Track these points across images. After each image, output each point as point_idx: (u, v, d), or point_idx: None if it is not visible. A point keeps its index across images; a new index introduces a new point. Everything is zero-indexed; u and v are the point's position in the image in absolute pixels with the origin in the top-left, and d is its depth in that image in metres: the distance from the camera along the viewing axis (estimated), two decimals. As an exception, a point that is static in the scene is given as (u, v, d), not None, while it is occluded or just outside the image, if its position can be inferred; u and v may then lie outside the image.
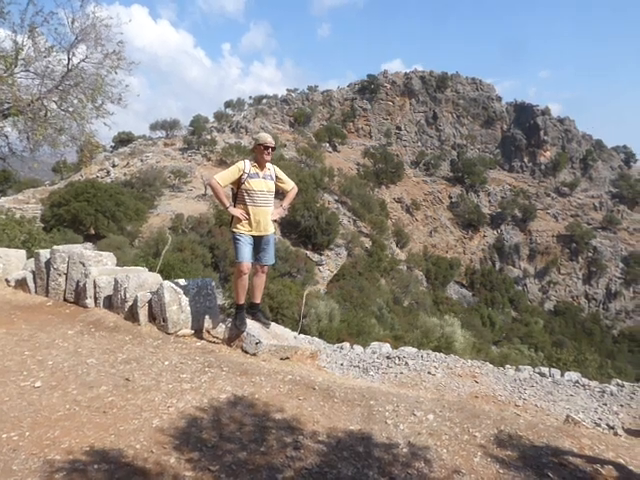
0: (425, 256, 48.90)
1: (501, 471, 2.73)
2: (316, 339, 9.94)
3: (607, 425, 6.24)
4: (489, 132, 71.00)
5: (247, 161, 4.97)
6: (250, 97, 71.10)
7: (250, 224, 4.86)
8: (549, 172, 64.54)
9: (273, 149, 5.05)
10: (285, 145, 50.94)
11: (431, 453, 2.89)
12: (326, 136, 59.23)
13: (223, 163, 41.58)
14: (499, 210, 58.02)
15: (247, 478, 2.61)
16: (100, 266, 6.16)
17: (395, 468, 2.71)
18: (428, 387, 6.62)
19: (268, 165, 5.03)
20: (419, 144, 69.13)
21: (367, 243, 37.19)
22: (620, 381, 8.41)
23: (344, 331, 16.43)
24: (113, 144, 51.49)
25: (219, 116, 58.64)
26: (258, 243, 4.98)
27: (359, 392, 3.90)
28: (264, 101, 68.88)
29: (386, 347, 9.36)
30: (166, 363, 4.23)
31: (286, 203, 5.26)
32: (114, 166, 41.87)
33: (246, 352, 4.85)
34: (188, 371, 4.07)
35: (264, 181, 4.94)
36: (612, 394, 7.46)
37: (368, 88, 71.68)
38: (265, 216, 4.94)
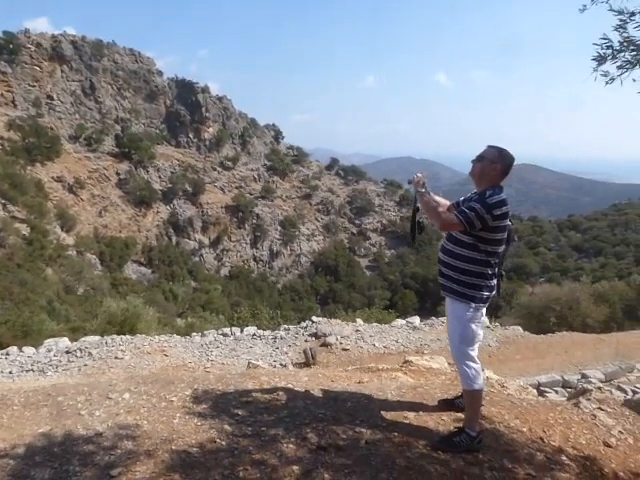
0: (97, 238, 46.09)
1: (199, 423, 3.02)
2: (-35, 353, 8.37)
3: (280, 364, 7.48)
4: (153, 107, 70.38)
5: None
6: None
7: None
8: (213, 147, 69.01)
9: None
10: None
11: (133, 429, 2.95)
12: (-50, 103, 47.82)
13: None
14: (170, 185, 58.85)
15: None
16: None
17: (98, 455, 2.66)
18: (117, 372, 6.50)
19: None
20: (77, 116, 62.86)
21: (24, 230, 32.47)
22: (287, 326, 10.07)
23: (7, 334, 14.26)
24: None
25: None
26: None
27: (43, 392, 3.57)
28: None
29: (64, 341, 8.68)
30: None
31: None
32: None
33: None
34: None
35: None
36: (282, 338, 8.89)
37: (6, 48, 60.33)
38: None
